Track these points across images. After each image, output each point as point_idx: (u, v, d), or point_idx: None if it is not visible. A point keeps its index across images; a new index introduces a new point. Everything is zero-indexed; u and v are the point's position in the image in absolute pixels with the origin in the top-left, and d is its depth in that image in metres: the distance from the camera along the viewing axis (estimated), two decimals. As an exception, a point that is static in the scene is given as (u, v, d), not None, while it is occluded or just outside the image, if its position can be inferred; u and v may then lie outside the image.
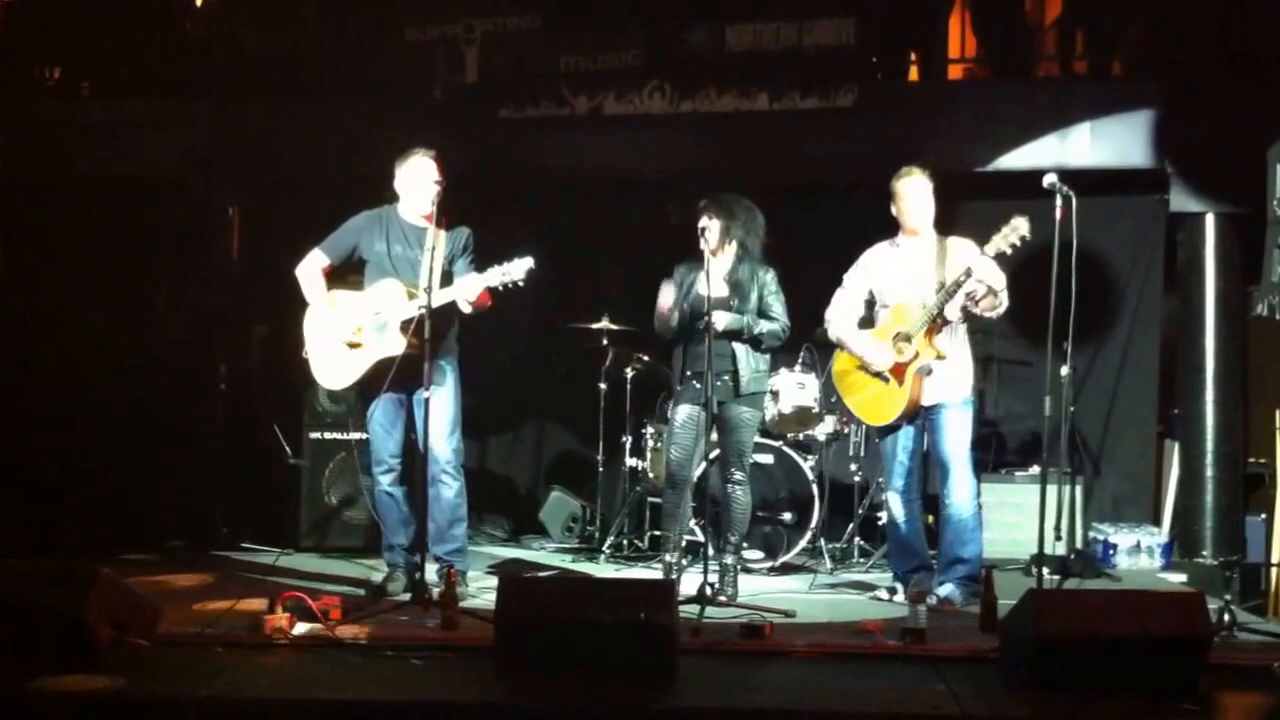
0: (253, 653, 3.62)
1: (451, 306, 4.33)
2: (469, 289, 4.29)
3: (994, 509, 5.41)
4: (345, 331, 4.43)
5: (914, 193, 4.45)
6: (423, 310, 4.22)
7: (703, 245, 4.44)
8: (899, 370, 4.41)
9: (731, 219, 4.52)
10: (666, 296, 4.61)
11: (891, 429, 4.51)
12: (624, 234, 5.89)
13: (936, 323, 4.36)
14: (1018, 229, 4.18)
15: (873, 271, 4.55)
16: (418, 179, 4.41)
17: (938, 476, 4.48)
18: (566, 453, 6.29)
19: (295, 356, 4.56)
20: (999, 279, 4.25)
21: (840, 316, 4.57)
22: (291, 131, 5.87)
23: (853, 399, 4.61)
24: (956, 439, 4.41)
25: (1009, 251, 4.21)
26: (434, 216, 4.29)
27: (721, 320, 4.42)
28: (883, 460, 4.62)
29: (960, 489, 4.41)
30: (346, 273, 4.61)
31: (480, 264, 4.48)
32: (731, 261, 4.56)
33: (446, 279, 4.38)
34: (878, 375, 4.47)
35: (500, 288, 4.28)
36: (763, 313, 4.55)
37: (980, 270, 4.23)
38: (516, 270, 4.23)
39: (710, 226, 4.48)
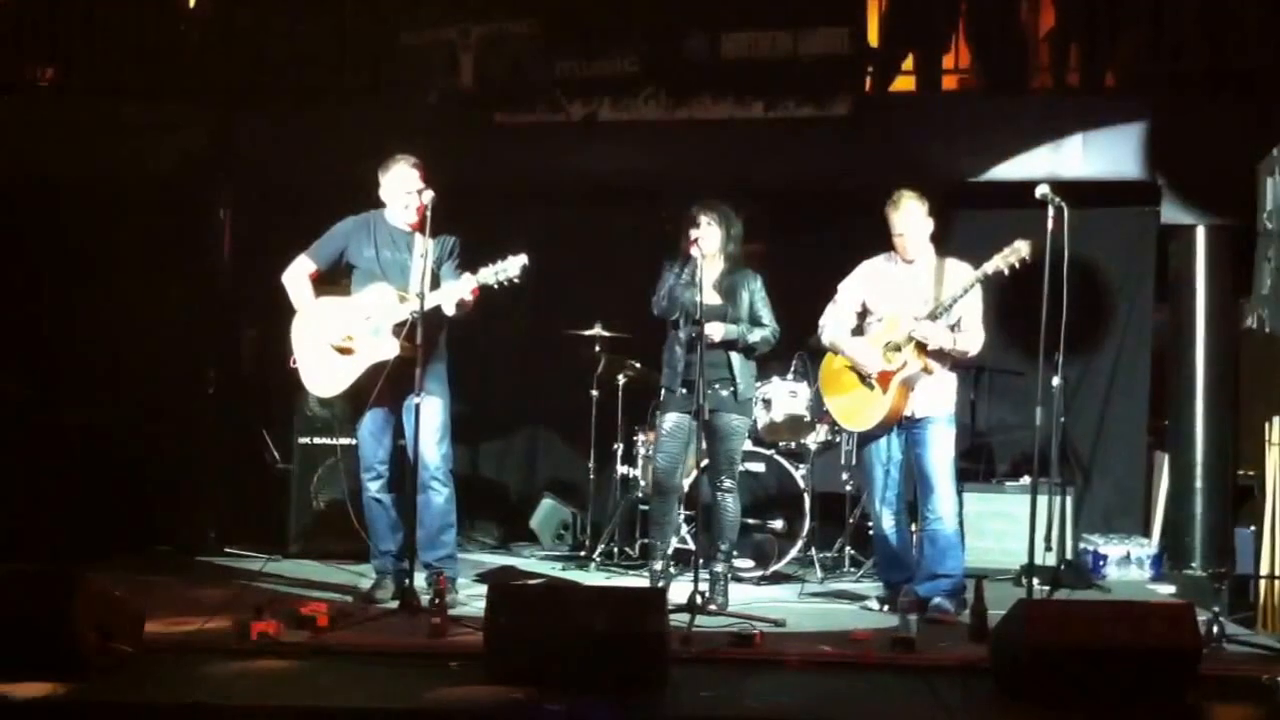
0: (239, 659, 3.60)
1: (439, 310, 4.31)
2: (462, 288, 4.27)
3: (985, 519, 5.43)
4: (335, 337, 4.40)
5: (906, 222, 4.42)
6: (415, 315, 4.21)
7: (694, 250, 4.43)
8: (885, 378, 4.41)
9: (729, 226, 4.53)
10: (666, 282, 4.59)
11: (872, 438, 4.51)
12: (618, 240, 5.88)
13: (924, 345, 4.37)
14: (1019, 250, 4.19)
15: (869, 284, 4.55)
16: (398, 187, 4.41)
17: (920, 491, 4.47)
18: (558, 460, 6.27)
19: (285, 360, 4.54)
20: (951, 339, 4.33)
21: (834, 323, 4.58)
22: (285, 135, 5.85)
23: (835, 400, 4.61)
24: (940, 454, 4.41)
25: (1006, 271, 4.22)
26: (421, 224, 4.28)
27: (717, 332, 4.41)
28: (865, 472, 4.62)
29: (944, 504, 4.41)
30: (337, 276, 4.59)
31: (471, 269, 4.47)
32: (721, 268, 4.56)
33: (434, 283, 4.36)
34: (864, 381, 4.47)
35: (495, 286, 4.27)
36: (753, 319, 4.56)
37: (963, 328, 4.34)
38: (512, 267, 4.23)
39: (709, 234, 4.47)
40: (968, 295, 4.31)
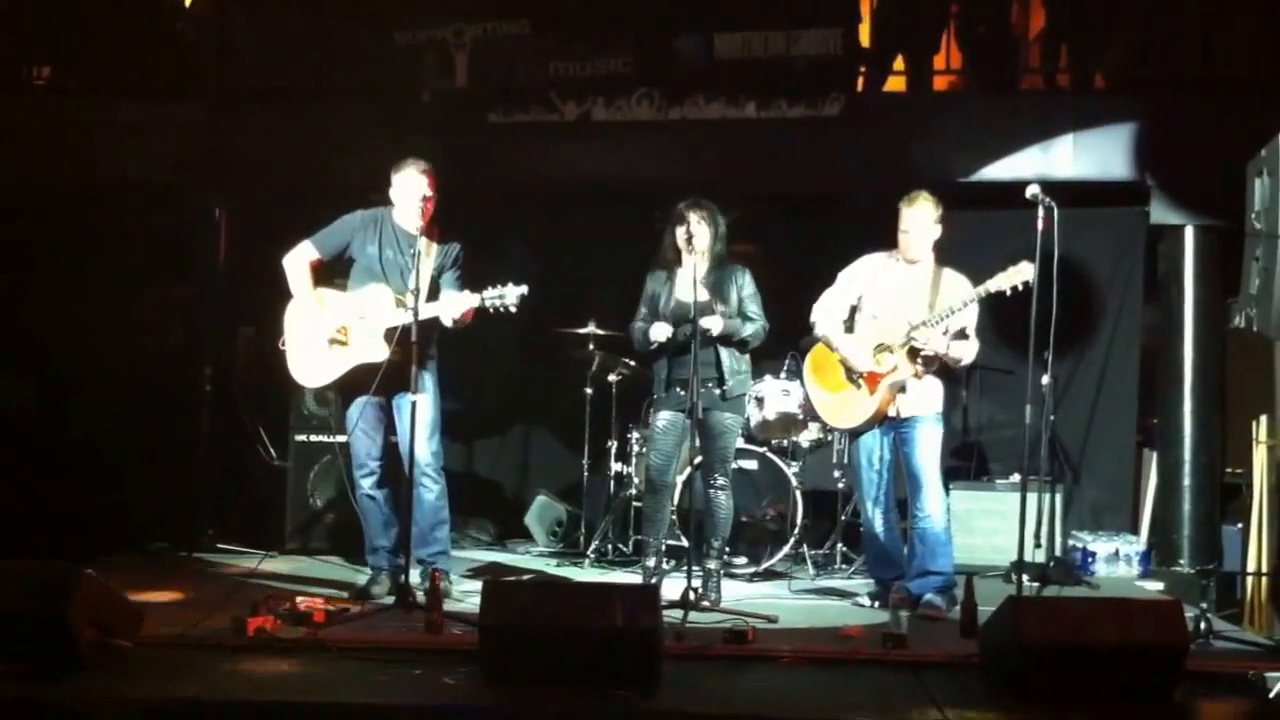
0: (236, 655, 3.62)
1: (435, 319, 4.34)
2: (458, 306, 4.31)
3: (975, 516, 5.47)
4: (328, 331, 4.43)
5: (915, 220, 4.43)
6: (410, 312, 4.23)
7: (684, 246, 4.47)
8: (873, 379, 4.45)
9: (717, 224, 4.56)
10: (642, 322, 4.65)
11: (858, 434, 4.55)
12: (611, 239, 5.90)
13: (916, 350, 4.41)
14: (1022, 273, 4.22)
15: (867, 278, 4.56)
16: (406, 193, 4.43)
17: (909, 489, 4.51)
18: (552, 457, 6.30)
19: (281, 360, 4.55)
20: (947, 346, 4.35)
21: (827, 314, 4.59)
22: (281, 135, 5.86)
23: (820, 393, 4.63)
24: (928, 453, 4.44)
25: (1008, 292, 4.26)
26: (423, 228, 4.31)
27: (716, 325, 4.44)
28: (855, 471, 4.65)
29: (932, 502, 4.44)
30: (333, 274, 4.61)
31: (467, 273, 4.49)
32: (708, 265, 4.58)
33: (433, 290, 4.39)
34: (852, 378, 4.50)
35: (490, 309, 4.30)
36: (741, 314, 4.58)
37: (961, 337, 4.37)
38: (510, 296, 4.27)
39: (700, 232, 4.51)
40: (965, 309, 4.35)
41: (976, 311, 4.44)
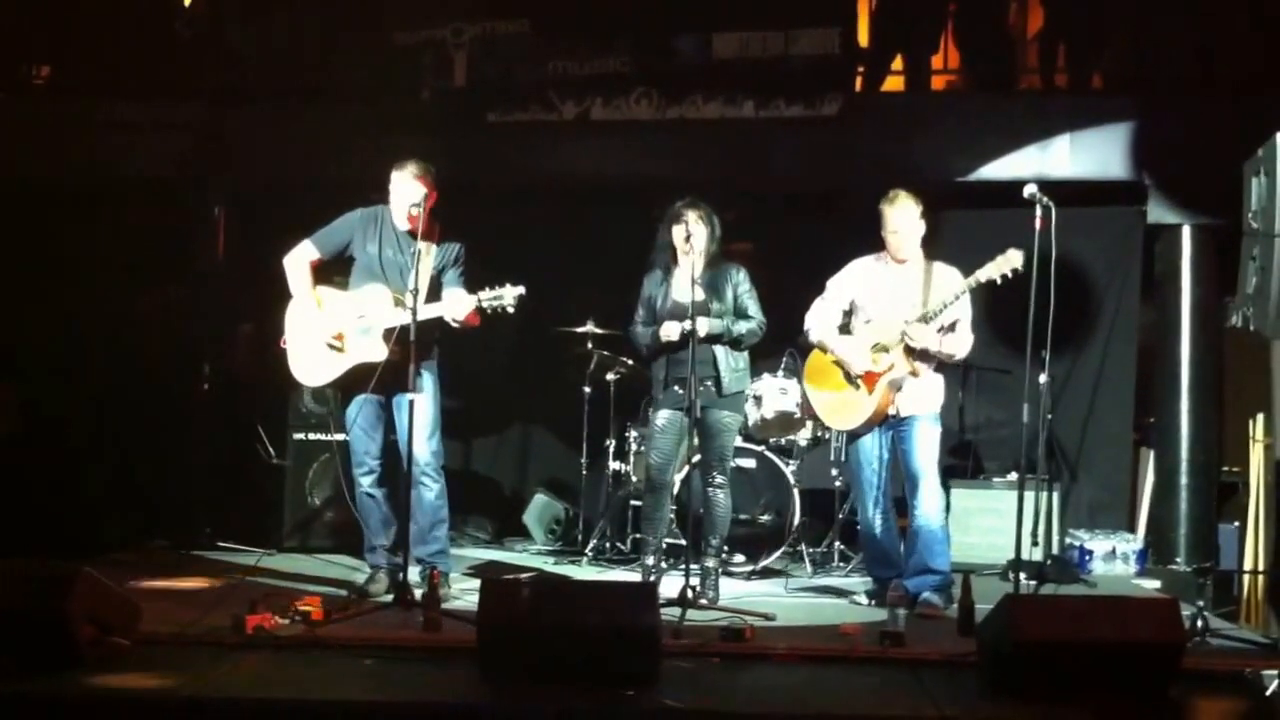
0: (234, 653, 3.62)
1: (437, 319, 4.35)
2: (457, 308, 4.32)
3: (972, 514, 5.48)
4: (327, 331, 4.44)
5: (901, 220, 4.44)
6: (409, 312, 4.24)
7: (683, 247, 4.48)
8: (870, 379, 4.46)
9: (714, 224, 4.57)
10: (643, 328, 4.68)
11: (857, 436, 4.56)
12: (610, 239, 5.91)
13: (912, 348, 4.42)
14: (1011, 261, 4.22)
15: (858, 282, 4.58)
16: (399, 195, 4.44)
17: (907, 488, 4.52)
18: (550, 456, 6.31)
19: (279, 357, 4.56)
20: (939, 342, 4.35)
21: (820, 321, 4.61)
22: (279, 134, 5.87)
23: (819, 396, 4.65)
24: (926, 452, 4.45)
25: (999, 280, 4.27)
26: (419, 229, 4.31)
27: (703, 326, 4.45)
28: (853, 471, 4.66)
29: (930, 501, 4.45)
30: (332, 273, 4.62)
31: (469, 274, 4.50)
32: (703, 264, 4.58)
33: (434, 289, 4.40)
34: (850, 380, 4.52)
35: (488, 310, 4.31)
36: (738, 311, 4.59)
37: (953, 331, 4.37)
38: (507, 296, 4.28)
39: (698, 232, 4.52)
40: (958, 302, 4.36)
41: (969, 302, 4.44)
